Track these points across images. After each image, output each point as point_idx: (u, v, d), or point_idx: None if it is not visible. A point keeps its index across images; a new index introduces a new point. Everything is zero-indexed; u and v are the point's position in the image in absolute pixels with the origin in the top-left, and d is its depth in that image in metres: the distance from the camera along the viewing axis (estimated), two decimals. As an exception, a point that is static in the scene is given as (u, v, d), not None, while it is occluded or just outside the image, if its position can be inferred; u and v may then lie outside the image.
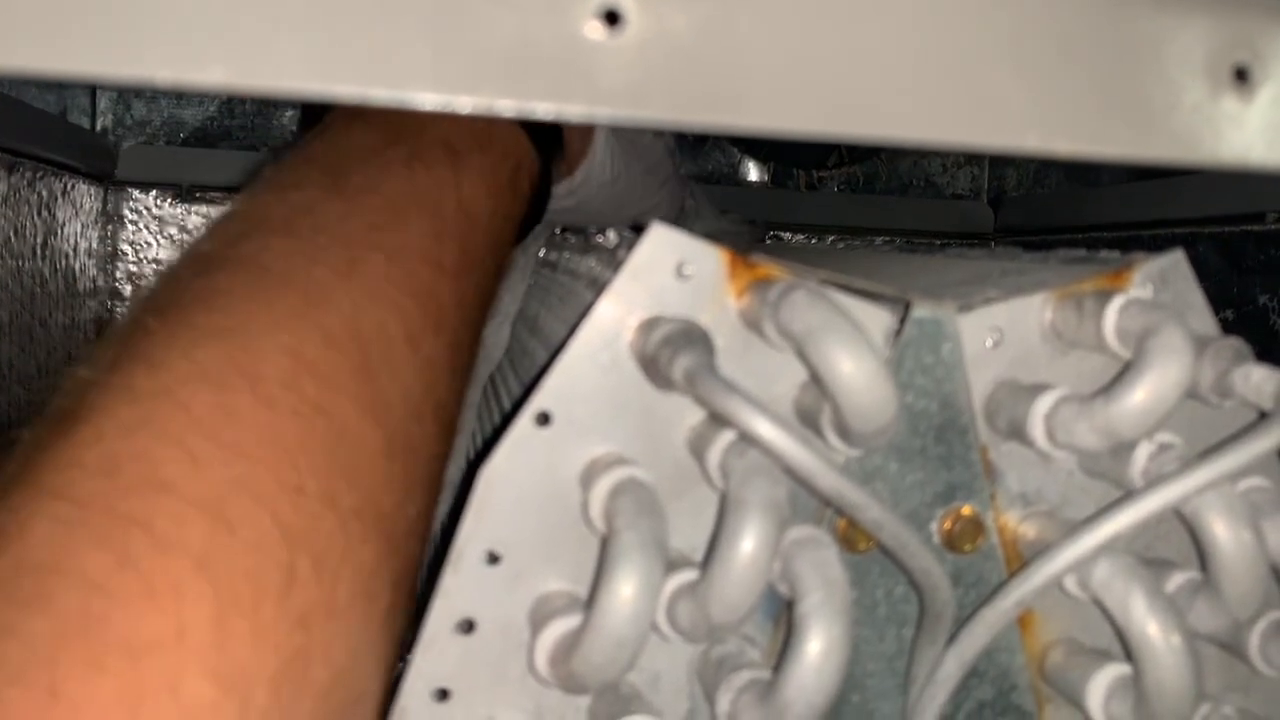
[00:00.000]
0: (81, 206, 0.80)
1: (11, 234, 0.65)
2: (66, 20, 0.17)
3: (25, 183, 0.68)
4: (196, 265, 0.26)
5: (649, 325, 0.28)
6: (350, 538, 0.23)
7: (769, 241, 0.97)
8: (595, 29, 0.18)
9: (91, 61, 0.17)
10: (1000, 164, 0.99)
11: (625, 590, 0.25)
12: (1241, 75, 0.20)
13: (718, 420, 0.27)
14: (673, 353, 0.26)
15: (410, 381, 0.26)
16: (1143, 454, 0.29)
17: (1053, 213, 0.92)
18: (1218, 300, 0.66)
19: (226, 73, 0.17)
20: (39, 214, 0.70)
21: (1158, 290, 0.31)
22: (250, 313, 0.24)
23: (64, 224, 0.76)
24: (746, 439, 0.26)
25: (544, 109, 0.18)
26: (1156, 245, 0.32)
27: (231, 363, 0.22)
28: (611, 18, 0.18)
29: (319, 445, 0.23)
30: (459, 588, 0.28)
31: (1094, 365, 0.31)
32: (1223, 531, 0.28)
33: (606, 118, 0.19)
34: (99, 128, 0.88)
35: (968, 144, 0.19)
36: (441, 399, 0.28)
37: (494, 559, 0.28)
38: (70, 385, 0.23)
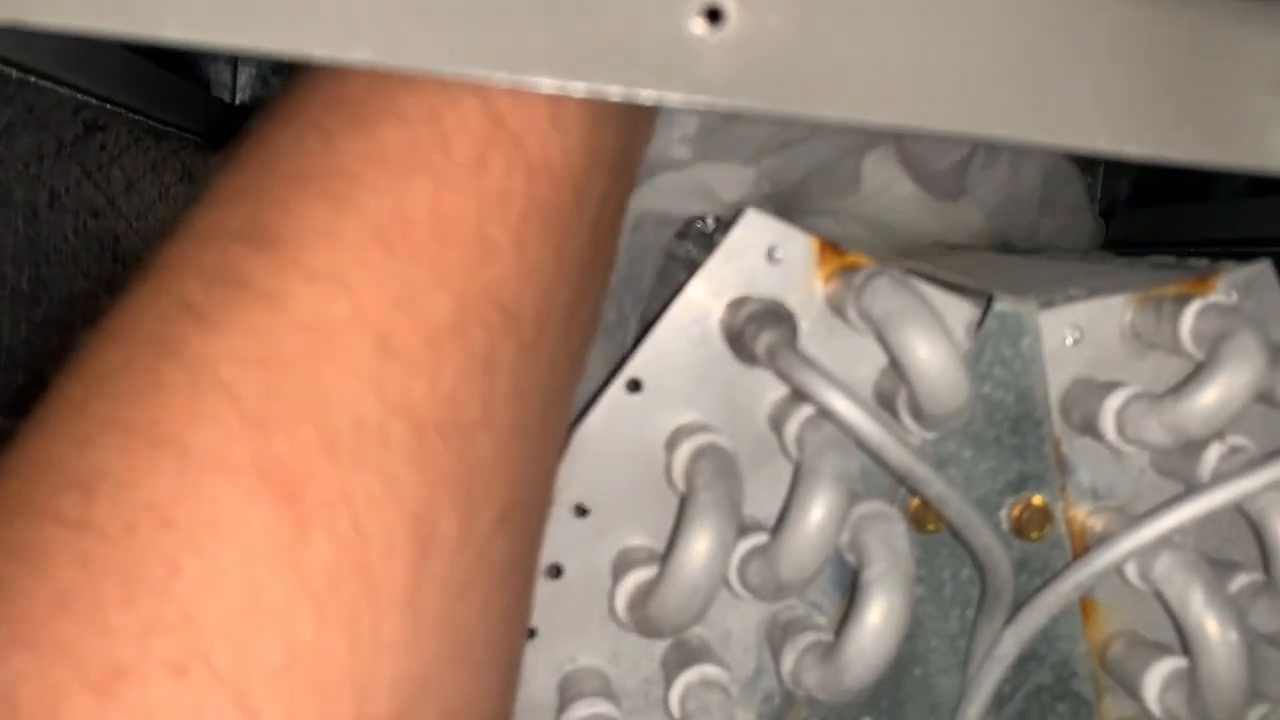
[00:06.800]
0: (218, 176, 0.85)
1: (156, 198, 0.70)
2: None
3: (171, 151, 0.73)
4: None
5: (737, 304, 0.30)
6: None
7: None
8: (698, 25, 0.20)
9: (249, 35, 0.20)
10: (1113, 174, 0.97)
11: (700, 543, 0.27)
12: (1315, 88, 0.21)
13: (797, 396, 0.29)
14: (757, 328, 0.28)
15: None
16: (1213, 454, 0.30)
17: (1165, 226, 0.90)
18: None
19: (371, 51, 0.20)
20: (180, 181, 0.75)
21: (1241, 298, 0.32)
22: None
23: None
24: (822, 413, 0.28)
25: (647, 95, 0.20)
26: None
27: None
28: (714, 15, 0.20)
29: None
30: (550, 536, 0.30)
31: (1171, 367, 0.32)
32: (1287, 534, 0.29)
33: (705, 105, 0.21)
34: (237, 103, 0.93)
35: (1040, 141, 0.21)
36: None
37: (582, 511, 0.31)
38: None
